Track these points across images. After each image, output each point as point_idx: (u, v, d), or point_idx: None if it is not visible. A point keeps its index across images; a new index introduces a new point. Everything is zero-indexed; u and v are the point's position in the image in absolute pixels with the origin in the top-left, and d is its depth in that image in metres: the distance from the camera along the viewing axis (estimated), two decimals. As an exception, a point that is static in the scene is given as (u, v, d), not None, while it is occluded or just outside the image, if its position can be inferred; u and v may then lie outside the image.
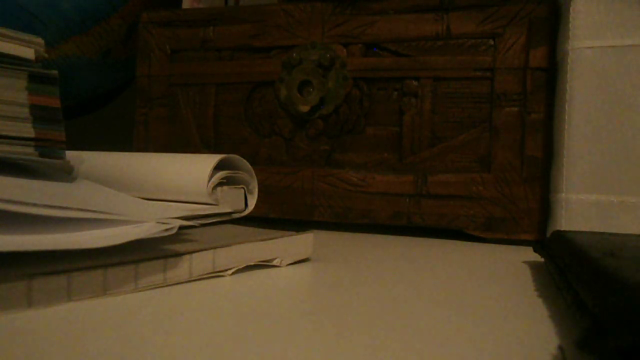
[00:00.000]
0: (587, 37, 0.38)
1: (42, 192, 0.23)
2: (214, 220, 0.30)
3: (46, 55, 0.29)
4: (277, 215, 0.47)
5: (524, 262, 0.33)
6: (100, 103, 0.67)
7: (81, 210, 0.21)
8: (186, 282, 0.23)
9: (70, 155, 0.35)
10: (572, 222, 0.37)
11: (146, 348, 0.15)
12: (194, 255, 0.24)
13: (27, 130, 0.27)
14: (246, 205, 0.33)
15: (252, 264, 0.26)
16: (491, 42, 0.42)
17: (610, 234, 0.30)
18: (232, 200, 0.32)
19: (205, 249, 0.24)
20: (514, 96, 0.41)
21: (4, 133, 0.27)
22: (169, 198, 0.32)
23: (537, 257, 0.33)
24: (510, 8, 0.41)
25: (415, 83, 0.44)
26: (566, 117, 0.38)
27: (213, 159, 0.31)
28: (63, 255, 0.20)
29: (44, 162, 0.28)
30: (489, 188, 0.41)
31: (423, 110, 0.43)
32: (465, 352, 0.16)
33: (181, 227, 0.24)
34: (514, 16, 0.41)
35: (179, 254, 0.23)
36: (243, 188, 0.33)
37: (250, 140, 0.48)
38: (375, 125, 0.45)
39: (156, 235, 0.22)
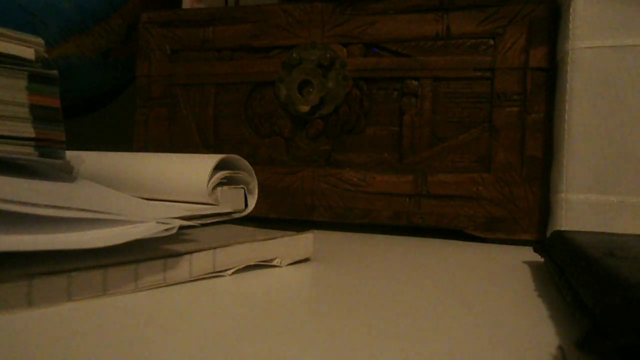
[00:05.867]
0: (587, 37, 0.37)
1: (42, 192, 0.23)
2: (214, 220, 0.30)
3: (46, 55, 0.29)
4: (277, 215, 0.47)
5: (524, 262, 0.33)
6: (100, 103, 0.67)
7: (81, 210, 0.21)
8: (186, 282, 0.23)
9: (70, 155, 0.35)
10: (572, 222, 0.37)
11: (146, 348, 0.15)
12: (194, 255, 0.24)
13: (27, 130, 0.27)
14: (246, 205, 0.33)
15: (252, 264, 0.26)
16: (491, 42, 0.42)
17: (610, 234, 0.30)
18: (232, 200, 0.32)
19: (205, 249, 0.24)
20: (514, 96, 0.41)
21: (4, 133, 0.27)
22: (169, 198, 0.32)
23: (537, 257, 0.33)
24: (510, 8, 0.41)
25: (415, 83, 0.44)
26: (566, 117, 0.38)
27: (213, 159, 0.31)
28: (63, 255, 0.20)
29: (44, 162, 0.28)
30: (489, 188, 0.41)
31: (423, 110, 0.43)
32: (465, 351, 0.16)
33: (181, 227, 0.24)
34: (514, 16, 0.41)
35: (179, 254, 0.23)
36: (243, 188, 0.33)
37: (250, 140, 0.48)
38: (375, 125, 0.45)
39: (156, 235, 0.22)
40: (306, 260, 0.30)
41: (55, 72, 0.29)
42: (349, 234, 0.43)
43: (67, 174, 0.31)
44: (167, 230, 0.22)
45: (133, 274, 0.21)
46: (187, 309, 0.19)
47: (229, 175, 0.32)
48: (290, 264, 0.28)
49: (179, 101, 0.51)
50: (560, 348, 0.16)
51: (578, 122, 0.38)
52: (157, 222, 0.23)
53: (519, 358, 0.16)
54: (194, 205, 0.31)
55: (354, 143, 0.46)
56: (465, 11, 0.42)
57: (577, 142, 0.38)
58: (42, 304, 0.19)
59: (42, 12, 0.51)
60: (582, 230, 0.36)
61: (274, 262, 0.28)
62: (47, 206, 0.20)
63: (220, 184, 0.31)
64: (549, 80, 0.40)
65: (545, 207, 0.40)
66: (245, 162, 0.33)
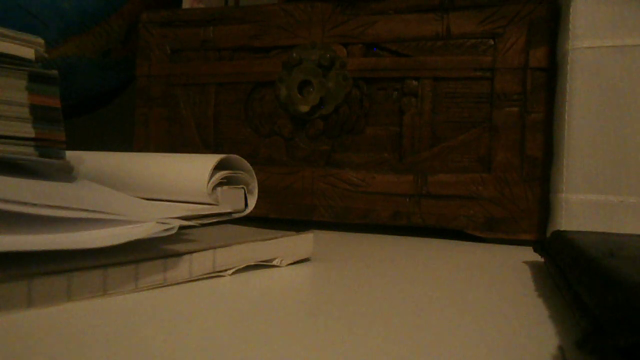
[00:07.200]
0: (587, 37, 0.37)
1: (42, 192, 0.23)
2: (214, 220, 0.30)
3: (46, 55, 0.29)
4: (277, 215, 0.47)
5: (524, 262, 0.33)
6: (100, 103, 0.67)
7: (81, 210, 0.21)
8: (186, 282, 0.23)
9: (70, 155, 0.35)
10: (572, 222, 0.37)
11: (146, 348, 0.15)
12: (194, 255, 0.24)
13: (27, 130, 0.27)
14: (246, 205, 0.33)
15: (252, 264, 0.26)
16: (491, 42, 0.42)
17: (610, 234, 0.30)
18: (232, 200, 0.32)
19: (205, 249, 0.24)
20: (514, 96, 0.41)
21: (4, 133, 0.27)
22: (169, 198, 0.32)
23: (537, 257, 0.33)
24: (510, 8, 0.41)
25: (415, 83, 0.44)
26: (566, 117, 0.38)
27: (213, 159, 0.31)
28: (63, 255, 0.20)
29: (44, 162, 0.28)
30: (489, 188, 0.41)
31: (423, 110, 0.43)
32: (465, 352, 0.16)
33: (181, 227, 0.24)
34: (514, 16, 0.41)
35: (179, 254, 0.23)
36: (243, 188, 0.33)
37: (250, 140, 0.48)
38: (375, 125, 0.45)
39: (156, 235, 0.22)
40: (306, 260, 0.30)
41: (55, 72, 0.29)
42: (349, 234, 0.43)
43: (67, 174, 0.31)
44: (167, 230, 0.22)
45: (133, 274, 0.21)
46: (187, 309, 0.19)
47: (229, 175, 0.32)
48: (290, 264, 0.28)
49: (179, 101, 0.51)
50: (560, 348, 0.16)
51: (578, 122, 0.38)
52: (157, 222, 0.23)
53: (519, 358, 0.16)
54: (194, 205, 0.31)
55: (354, 143, 0.46)
56: (465, 11, 0.42)
57: (577, 142, 0.38)
58: (42, 304, 0.19)
59: (42, 12, 0.51)
60: (582, 230, 0.36)
61: (274, 262, 0.28)
62: (47, 206, 0.20)
63: (220, 184, 0.31)
64: (549, 80, 0.40)
65: (545, 207, 0.40)
66: (245, 162, 0.33)
